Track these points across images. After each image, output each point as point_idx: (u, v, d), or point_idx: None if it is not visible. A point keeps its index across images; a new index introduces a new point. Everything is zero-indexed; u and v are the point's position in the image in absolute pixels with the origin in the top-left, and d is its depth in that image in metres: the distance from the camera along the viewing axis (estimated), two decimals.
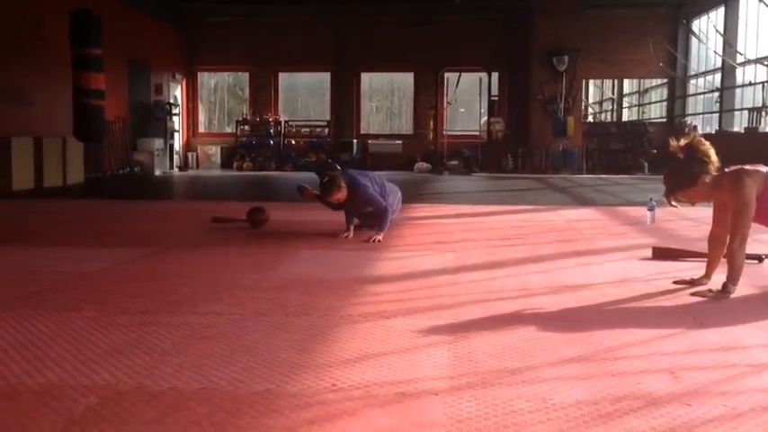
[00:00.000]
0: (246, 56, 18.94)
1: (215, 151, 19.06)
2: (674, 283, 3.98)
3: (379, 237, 5.64)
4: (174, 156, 17.64)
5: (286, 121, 19.27)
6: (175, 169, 17.52)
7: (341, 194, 5.82)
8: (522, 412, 2.10)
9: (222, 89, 21.23)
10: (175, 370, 2.46)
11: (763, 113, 13.38)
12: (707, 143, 3.79)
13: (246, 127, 19.02)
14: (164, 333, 2.93)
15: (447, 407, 2.13)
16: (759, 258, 4.51)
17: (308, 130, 19.23)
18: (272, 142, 18.79)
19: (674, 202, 3.90)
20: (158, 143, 16.16)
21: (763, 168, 3.74)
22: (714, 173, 3.74)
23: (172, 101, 17.95)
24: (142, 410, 2.09)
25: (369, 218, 6.01)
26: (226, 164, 18.78)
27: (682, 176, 3.78)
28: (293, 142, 18.98)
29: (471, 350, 2.73)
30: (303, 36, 18.63)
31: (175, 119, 17.92)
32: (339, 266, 4.61)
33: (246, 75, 19.73)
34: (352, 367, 2.50)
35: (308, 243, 5.62)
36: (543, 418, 2.05)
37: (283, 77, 19.79)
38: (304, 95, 21.03)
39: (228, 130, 20.01)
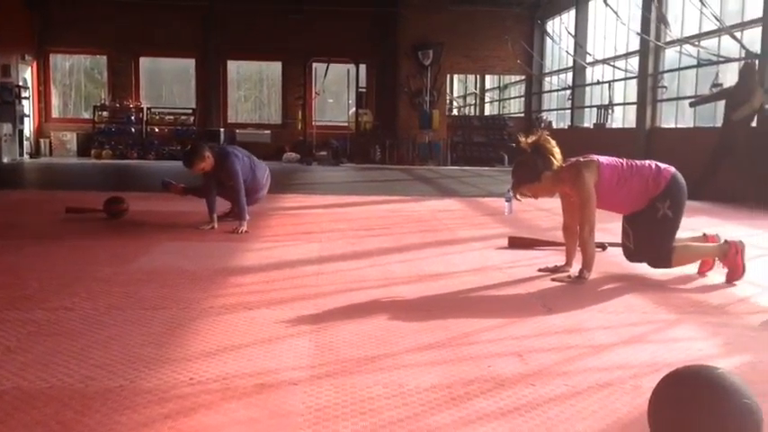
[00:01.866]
0: (104, 38, 18.01)
1: (70, 138, 18.03)
2: (539, 270, 4.19)
3: (244, 227, 5.58)
4: (25, 142, 16.53)
5: (148, 108, 18.53)
6: (26, 156, 16.43)
7: (204, 164, 5.68)
8: (379, 398, 2.16)
9: (78, 72, 20.11)
10: (20, 368, 2.33)
11: (610, 110, 14.31)
12: (552, 141, 4.04)
13: (105, 113, 18.12)
14: (9, 330, 2.76)
15: (306, 396, 2.16)
16: (602, 246, 4.84)
17: (172, 117, 18.59)
18: (133, 130, 18.02)
19: (518, 196, 4.13)
20: (6, 128, 15.06)
21: (595, 157, 4.02)
22: (555, 169, 3.99)
23: (21, 83, 16.81)
24: None
25: (232, 192, 5.90)
26: (83, 151, 17.80)
27: (527, 171, 4.01)
28: (156, 130, 18.30)
29: (332, 339, 2.77)
30: (167, 19, 17.97)
31: (25, 103, 16.79)
32: (202, 258, 4.52)
33: (104, 58, 18.79)
34: (212, 360, 2.47)
35: (170, 234, 5.46)
36: (399, 403, 2.12)
37: (145, 62, 19.02)
38: (168, 82, 20.30)
39: (86, 115, 18.99)
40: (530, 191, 4.07)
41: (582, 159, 4.03)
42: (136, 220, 6.12)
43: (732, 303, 3.52)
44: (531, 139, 4.03)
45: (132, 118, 18.12)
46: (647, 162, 4.08)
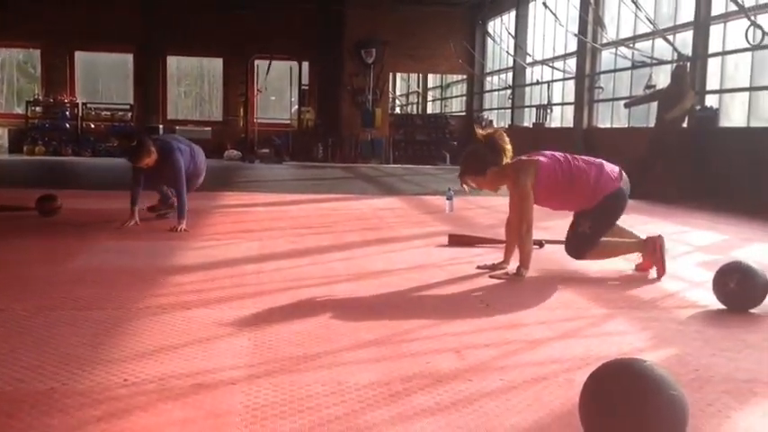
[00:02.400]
0: (38, 31, 17.45)
1: (2, 133, 17.40)
2: (478, 267, 4.24)
3: (183, 225, 5.49)
4: None
5: (84, 104, 18.06)
6: None
7: (150, 159, 5.59)
8: (318, 396, 2.16)
9: (11, 66, 19.45)
10: None
11: (548, 110, 14.60)
12: (506, 138, 4.09)
13: (39, 108, 17.57)
14: None
15: (244, 395, 2.15)
16: (540, 244, 4.94)
17: (108, 113, 18.14)
18: (68, 125, 17.52)
19: (464, 185, 4.18)
20: None
21: (537, 158, 4.07)
22: (502, 165, 4.05)
23: None
24: None
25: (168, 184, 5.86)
26: (15, 148, 17.20)
27: (475, 163, 4.06)
28: (92, 126, 17.84)
29: (272, 338, 2.75)
30: (104, 12, 17.51)
31: None
32: (140, 257, 4.43)
33: (38, 52, 18.22)
34: (147, 361, 2.43)
35: (108, 233, 5.34)
36: (337, 401, 2.12)
37: (81, 56, 18.51)
38: (105, 77, 19.82)
39: (19, 110, 18.37)
40: (474, 182, 4.13)
41: (524, 158, 4.10)
42: (70, 219, 5.96)
43: (662, 298, 3.63)
44: (488, 131, 4.10)
45: (67, 113, 17.61)
46: (591, 170, 4.07)
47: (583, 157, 4.21)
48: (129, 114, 18.03)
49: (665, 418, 1.71)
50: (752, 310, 3.33)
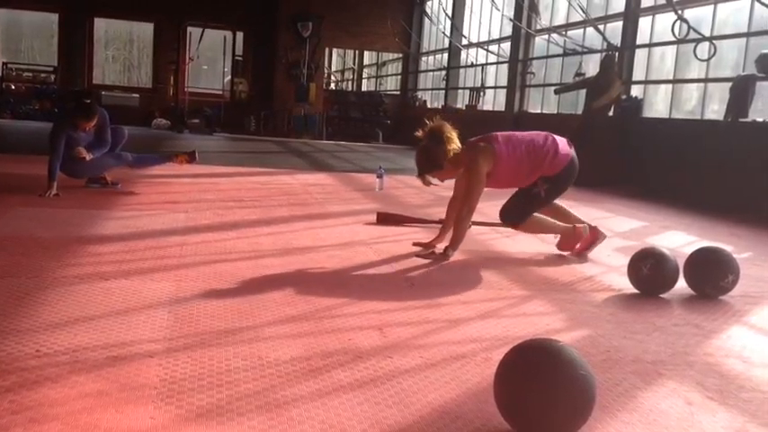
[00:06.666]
0: None
1: None
2: (414, 244, 4.24)
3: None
4: None
5: (5, 63, 17.27)
6: None
7: (95, 121, 5.52)
8: (237, 371, 2.14)
9: None
10: None
11: (481, 93, 14.75)
12: (448, 127, 4.10)
13: None
14: None
15: (161, 369, 2.11)
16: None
17: (31, 74, 17.41)
18: None
19: (425, 183, 4.23)
20: None
21: (494, 144, 4.08)
22: (454, 154, 4.07)
23: None
24: None
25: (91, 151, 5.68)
26: None
27: (428, 159, 4.12)
28: (13, 87, 17.09)
29: (192, 311, 2.72)
30: None
31: None
32: (58, 225, 4.29)
33: None
34: (61, 331, 2.36)
35: (23, 199, 5.14)
36: (257, 376, 2.12)
37: (3, 14, 17.66)
38: (29, 36, 18.99)
39: None
40: (435, 176, 4.17)
41: (482, 144, 4.10)
42: None
43: (579, 281, 3.75)
44: (427, 127, 4.10)
45: None
46: (546, 142, 4.14)
47: (522, 133, 4.26)
48: (53, 77, 17.36)
49: (574, 397, 1.77)
50: (663, 295, 3.47)
